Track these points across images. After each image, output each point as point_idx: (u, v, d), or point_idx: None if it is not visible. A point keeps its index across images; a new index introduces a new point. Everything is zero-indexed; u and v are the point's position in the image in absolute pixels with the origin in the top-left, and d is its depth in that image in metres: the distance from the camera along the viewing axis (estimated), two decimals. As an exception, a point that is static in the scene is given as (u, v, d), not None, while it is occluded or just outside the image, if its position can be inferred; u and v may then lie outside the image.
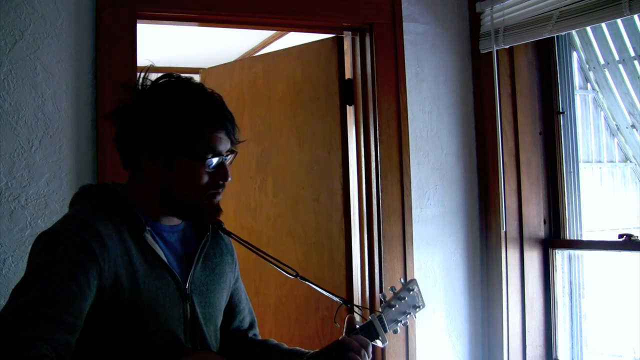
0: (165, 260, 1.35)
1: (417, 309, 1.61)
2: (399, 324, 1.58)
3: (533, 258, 2.71)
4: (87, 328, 1.23)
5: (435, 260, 2.69)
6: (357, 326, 1.52)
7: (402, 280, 1.61)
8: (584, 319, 2.71)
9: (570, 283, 2.72)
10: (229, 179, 1.39)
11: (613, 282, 2.77)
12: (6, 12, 2.11)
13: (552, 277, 2.71)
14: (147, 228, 1.34)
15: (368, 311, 1.61)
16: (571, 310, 2.72)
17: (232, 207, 3.01)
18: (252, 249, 1.56)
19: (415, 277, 2.61)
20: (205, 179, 1.35)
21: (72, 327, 1.17)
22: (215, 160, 1.35)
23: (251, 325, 1.64)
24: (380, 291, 2.56)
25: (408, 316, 1.59)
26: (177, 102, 1.33)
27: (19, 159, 2.11)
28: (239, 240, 1.56)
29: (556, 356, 2.69)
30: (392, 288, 1.60)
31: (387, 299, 1.58)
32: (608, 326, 2.75)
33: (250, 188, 2.98)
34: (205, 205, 1.38)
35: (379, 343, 1.52)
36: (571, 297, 2.72)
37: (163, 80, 1.39)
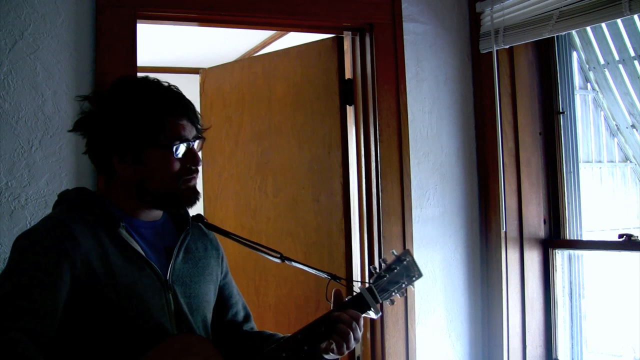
0: (142, 253, 1.40)
1: (413, 278, 1.61)
2: (393, 294, 1.58)
3: (533, 258, 2.71)
4: (71, 320, 1.29)
5: (435, 260, 2.69)
6: (347, 299, 1.53)
7: (394, 252, 1.63)
8: (584, 319, 2.71)
9: (570, 283, 2.72)
10: (200, 162, 1.45)
11: (613, 282, 2.77)
12: (6, 12, 2.11)
13: (552, 277, 2.71)
14: (122, 224, 1.39)
15: (359, 284, 1.62)
16: (571, 310, 2.72)
17: (232, 207, 3.01)
18: (236, 238, 1.59)
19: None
20: (176, 166, 1.41)
21: (47, 317, 1.24)
22: (182, 146, 1.41)
23: (246, 319, 1.67)
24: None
25: (404, 285, 1.60)
26: (134, 98, 1.40)
27: (19, 159, 2.11)
28: (220, 231, 1.60)
29: (556, 356, 2.69)
30: (384, 260, 1.61)
31: (377, 270, 1.59)
32: (608, 326, 2.75)
33: (250, 188, 2.98)
34: (181, 191, 1.43)
35: (372, 314, 1.54)
36: (571, 297, 2.72)
37: (118, 82, 1.46)
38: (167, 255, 1.47)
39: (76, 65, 2.20)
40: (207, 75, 3.19)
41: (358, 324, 1.47)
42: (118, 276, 1.34)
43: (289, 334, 1.55)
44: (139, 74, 1.49)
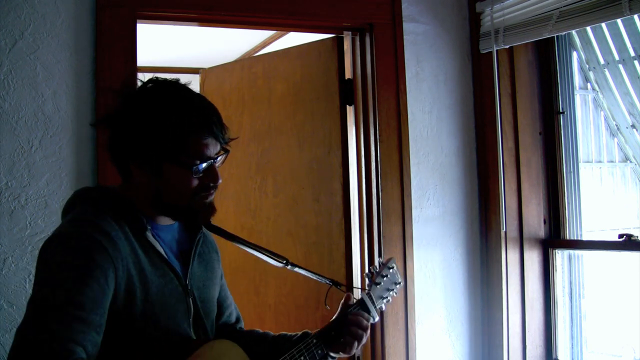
0: (167, 257, 1.38)
1: (397, 286, 1.70)
2: (384, 301, 1.66)
3: (533, 258, 2.71)
4: (106, 326, 1.25)
5: (435, 260, 2.69)
6: (352, 304, 1.59)
7: (381, 260, 1.71)
8: (584, 319, 2.71)
9: (570, 283, 2.72)
10: (219, 181, 1.39)
11: (613, 282, 2.77)
12: (6, 12, 2.11)
13: (552, 277, 2.70)
14: (148, 227, 1.36)
15: (359, 290, 1.66)
16: (571, 310, 2.72)
17: (232, 207, 3.01)
18: (240, 242, 1.59)
19: (415, 277, 2.62)
20: (195, 183, 1.36)
21: (99, 326, 1.20)
22: (203, 165, 1.35)
23: (237, 320, 1.68)
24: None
25: (391, 292, 1.68)
26: (161, 110, 1.33)
27: (19, 159, 2.11)
28: (226, 233, 1.58)
29: (556, 356, 2.69)
30: (374, 267, 1.69)
31: (372, 277, 1.66)
32: (608, 326, 2.75)
33: (250, 188, 2.98)
34: (197, 206, 1.39)
35: (370, 319, 1.60)
36: (571, 297, 2.72)
37: (149, 86, 1.39)
38: (184, 259, 1.45)
39: (76, 65, 2.20)
40: (207, 75, 3.19)
41: (369, 325, 1.55)
42: (150, 282, 1.31)
43: (282, 333, 1.60)
44: (163, 75, 1.42)
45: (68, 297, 1.17)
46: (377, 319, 1.61)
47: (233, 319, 1.66)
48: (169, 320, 1.34)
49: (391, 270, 1.68)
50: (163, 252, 1.38)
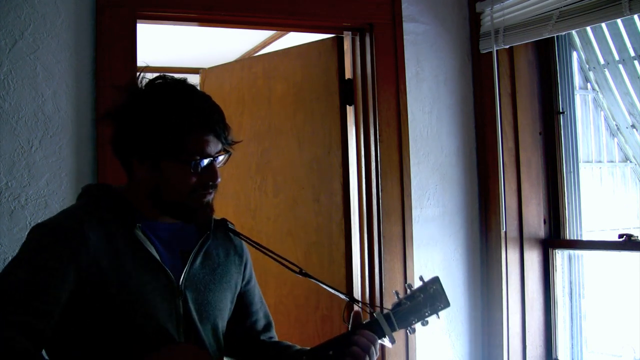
0: (157, 256, 1.38)
1: (438, 308, 1.52)
2: (415, 323, 1.50)
3: (533, 258, 2.71)
4: (77, 319, 1.29)
5: (435, 260, 2.69)
6: (363, 323, 1.48)
7: (422, 278, 1.55)
8: (584, 319, 2.71)
9: (570, 283, 2.72)
10: (219, 180, 1.40)
11: (613, 282, 2.77)
12: (6, 12, 2.12)
13: (552, 277, 2.71)
14: (138, 225, 1.37)
15: (378, 309, 1.57)
16: (571, 310, 2.72)
17: (232, 207, 3.01)
18: (257, 246, 1.56)
19: (415, 277, 2.61)
20: (193, 180, 1.37)
21: (42, 313, 1.23)
22: (203, 162, 1.36)
23: (266, 328, 1.63)
24: (381, 291, 2.56)
25: (427, 314, 1.51)
26: (163, 107, 1.35)
27: (19, 159, 2.11)
28: (244, 238, 1.57)
29: (556, 356, 2.69)
30: (409, 285, 1.54)
31: (400, 296, 1.53)
32: (608, 326, 2.75)
33: (250, 188, 2.98)
34: (195, 204, 1.39)
35: (386, 342, 1.48)
36: (571, 297, 2.72)
37: (154, 83, 1.40)
38: (183, 259, 1.43)
39: (76, 65, 2.20)
40: (207, 75, 3.19)
41: (375, 348, 1.42)
42: (127, 278, 1.32)
43: (306, 349, 1.52)
44: (174, 75, 1.43)
45: (15, 283, 1.24)
46: (394, 343, 1.46)
47: (259, 326, 1.61)
48: (148, 318, 1.33)
49: (431, 291, 1.51)
50: (153, 250, 1.37)
